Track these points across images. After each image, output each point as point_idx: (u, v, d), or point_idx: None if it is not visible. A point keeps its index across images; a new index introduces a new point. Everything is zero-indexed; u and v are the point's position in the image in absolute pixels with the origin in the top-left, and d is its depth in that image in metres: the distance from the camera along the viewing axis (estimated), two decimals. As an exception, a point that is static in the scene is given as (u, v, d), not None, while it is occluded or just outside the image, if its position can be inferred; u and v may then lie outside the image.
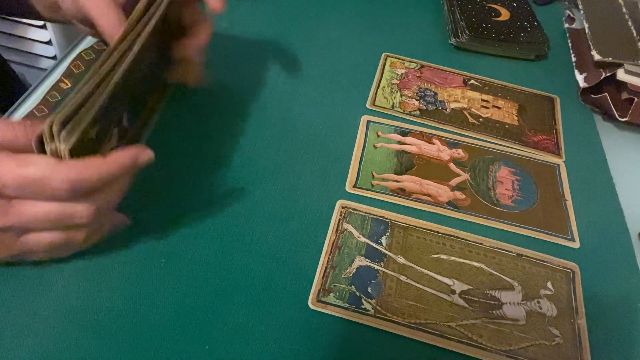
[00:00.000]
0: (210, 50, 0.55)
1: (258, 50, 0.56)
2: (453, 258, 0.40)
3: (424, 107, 0.52)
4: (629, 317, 0.39)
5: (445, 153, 0.48)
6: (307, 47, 0.57)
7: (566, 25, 0.66)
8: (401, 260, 0.39)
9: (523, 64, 0.60)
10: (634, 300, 0.40)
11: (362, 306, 0.36)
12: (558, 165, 0.49)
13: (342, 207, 0.42)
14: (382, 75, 0.55)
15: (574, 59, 0.59)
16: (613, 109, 0.53)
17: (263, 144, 0.46)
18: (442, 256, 0.40)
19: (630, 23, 0.58)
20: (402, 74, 0.56)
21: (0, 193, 0.27)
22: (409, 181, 0.45)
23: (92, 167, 0.28)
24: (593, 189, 0.47)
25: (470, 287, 0.38)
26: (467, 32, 0.59)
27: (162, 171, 0.40)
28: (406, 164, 0.46)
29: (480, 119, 0.52)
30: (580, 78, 0.56)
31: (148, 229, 0.38)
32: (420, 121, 0.51)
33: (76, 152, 0.28)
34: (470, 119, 0.52)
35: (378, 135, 0.49)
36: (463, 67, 0.58)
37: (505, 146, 0.50)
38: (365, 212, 0.42)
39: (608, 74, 0.53)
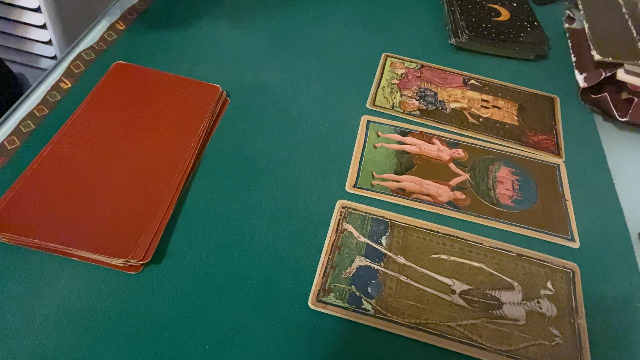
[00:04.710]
0: (210, 50, 0.55)
1: (258, 50, 0.56)
2: (453, 258, 0.40)
3: (424, 107, 0.52)
4: (629, 317, 0.39)
5: (445, 153, 0.48)
6: (307, 47, 0.57)
7: (566, 25, 0.66)
8: (401, 260, 0.39)
9: (523, 64, 0.60)
10: (634, 300, 0.40)
11: (362, 306, 0.36)
12: (558, 165, 0.49)
13: (342, 207, 0.42)
14: (382, 75, 0.55)
15: (574, 59, 0.59)
16: (613, 109, 0.53)
17: (263, 144, 0.46)
18: (442, 256, 0.40)
19: (630, 23, 0.58)
20: (402, 74, 0.56)
21: None
22: (409, 181, 0.45)
23: None
24: (593, 189, 0.47)
25: (470, 287, 0.38)
26: (467, 32, 0.59)
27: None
28: (406, 164, 0.46)
29: (480, 119, 0.52)
30: (580, 78, 0.56)
31: (148, 229, 0.38)
32: (420, 121, 0.51)
33: None
34: (470, 119, 0.52)
35: (378, 135, 0.49)
36: (463, 67, 0.58)
37: (505, 146, 0.50)
38: (365, 212, 0.42)
39: (608, 74, 0.53)
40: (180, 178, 0.41)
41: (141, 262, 0.36)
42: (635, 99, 0.52)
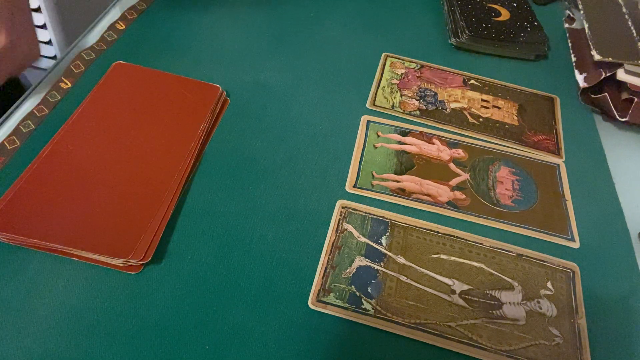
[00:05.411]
0: (210, 50, 0.55)
1: (258, 49, 0.56)
2: (453, 258, 0.40)
3: (424, 107, 0.52)
4: (629, 317, 0.39)
5: (445, 153, 0.48)
6: (307, 47, 0.58)
7: (566, 25, 0.66)
8: (401, 260, 0.39)
9: (523, 64, 0.60)
10: (634, 300, 0.40)
11: (362, 306, 0.36)
12: (558, 165, 0.49)
13: (342, 207, 0.42)
14: (382, 75, 0.55)
15: (574, 59, 0.59)
16: (613, 109, 0.53)
17: (263, 144, 0.46)
18: (442, 256, 0.40)
19: (630, 23, 0.58)
20: (402, 74, 0.56)
21: None
22: (409, 181, 0.45)
23: None
24: (593, 189, 0.47)
25: (470, 287, 0.38)
26: (467, 32, 0.59)
27: (162, 171, 0.40)
28: (406, 164, 0.46)
29: (480, 119, 0.52)
30: (580, 78, 0.56)
31: (148, 229, 0.38)
32: (420, 121, 0.51)
33: None
34: (470, 119, 0.52)
35: (378, 135, 0.49)
36: (463, 67, 0.58)
37: (505, 146, 0.50)
38: (365, 212, 0.42)
39: (608, 74, 0.53)
40: (180, 178, 0.41)
41: (141, 262, 0.36)
42: (635, 99, 0.52)
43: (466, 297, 0.38)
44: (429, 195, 0.44)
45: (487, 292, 0.38)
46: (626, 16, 0.59)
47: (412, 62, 0.58)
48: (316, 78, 0.54)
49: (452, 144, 0.49)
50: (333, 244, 0.40)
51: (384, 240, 0.40)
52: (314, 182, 0.44)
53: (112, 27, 0.55)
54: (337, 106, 0.51)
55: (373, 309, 0.36)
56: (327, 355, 0.34)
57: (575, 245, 0.42)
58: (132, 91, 0.47)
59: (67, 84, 0.48)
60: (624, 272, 0.41)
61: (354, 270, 0.38)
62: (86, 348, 0.32)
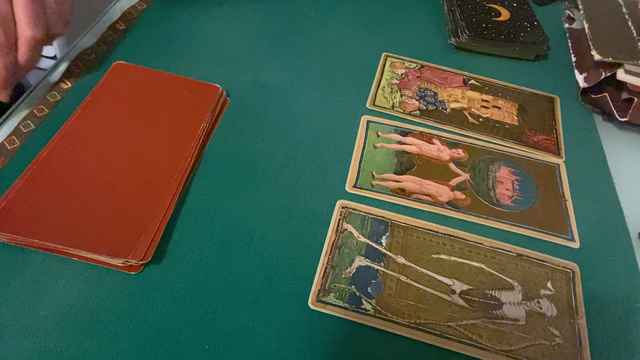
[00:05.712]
0: (210, 50, 0.55)
1: (258, 50, 0.56)
2: (453, 258, 0.40)
3: (424, 107, 0.52)
4: (629, 317, 0.39)
5: (445, 153, 0.48)
6: (307, 47, 0.58)
7: (566, 25, 0.66)
8: (401, 260, 0.39)
9: (523, 64, 0.60)
10: (634, 300, 0.40)
11: (362, 306, 0.36)
12: (558, 165, 0.49)
13: (342, 207, 0.42)
14: (382, 75, 0.55)
15: (574, 59, 0.59)
16: (613, 109, 0.53)
17: (263, 144, 0.46)
18: (442, 256, 0.40)
19: (630, 23, 0.58)
20: (402, 74, 0.56)
21: None
22: (409, 181, 0.45)
23: None
24: (593, 189, 0.47)
25: (470, 287, 0.38)
26: (467, 32, 0.59)
27: (162, 171, 0.40)
28: (406, 164, 0.46)
29: (480, 119, 0.52)
30: (580, 78, 0.56)
31: (148, 229, 0.38)
32: (420, 121, 0.51)
33: None
34: (470, 119, 0.52)
35: (378, 135, 0.49)
36: (463, 67, 0.58)
37: (505, 146, 0.50)
38: (365, 212, 0.42)
39: (608, 74, 0.53)
40: (180, 178, 0.41)
41: (141, 262, 0.36)
42: (635, 99, 0.52)
43: (466, 297, 0.38)
44: (429, 195, 0.44)
45: (487, 292, 0.38)
46: (626, 16, 0.59)
47: (412, 62, 0.58)
48: (316, 78, 0.54)
49: (452, 144, 0.49)
50: (333, 244, 0.40)
51: (384, 240, 0.40)
52: (314, 182, 0.44)
53: (112, 27, 0.55)
54: (337, 106, 0.51)
55: (373, 309, 0.36)
56: (327, 355, 0.34)
57: (575, 245, 0.42)
58: (132, 91, 0.47)
59: (67, 84, 0.48)
60: (624, 272, 0.41)
61: (354, 270, 0.38)
62: (86, 348, 0.32)
